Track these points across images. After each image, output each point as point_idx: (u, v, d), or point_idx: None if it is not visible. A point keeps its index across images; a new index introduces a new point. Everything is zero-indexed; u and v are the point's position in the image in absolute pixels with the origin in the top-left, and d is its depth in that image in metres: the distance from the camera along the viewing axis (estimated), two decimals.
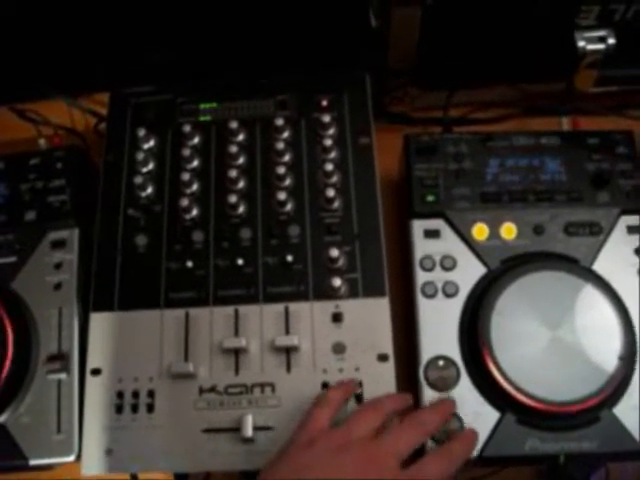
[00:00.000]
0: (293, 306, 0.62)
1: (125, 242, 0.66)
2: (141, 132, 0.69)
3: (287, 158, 0.68)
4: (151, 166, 0.69)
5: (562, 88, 0.74)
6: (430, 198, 0.66)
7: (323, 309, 0.62)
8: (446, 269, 0.64)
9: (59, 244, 0.67)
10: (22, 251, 0.66)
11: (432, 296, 0.63)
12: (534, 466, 0.70)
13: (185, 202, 0.65)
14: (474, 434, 0.57)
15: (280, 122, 0.68)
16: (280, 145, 0.67)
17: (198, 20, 0.73)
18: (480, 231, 0.65)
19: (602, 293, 0.61)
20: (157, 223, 0.66)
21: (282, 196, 0.65)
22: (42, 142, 0.76)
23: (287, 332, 0.62)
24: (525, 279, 0.62)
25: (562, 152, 0.68)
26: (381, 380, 0.60)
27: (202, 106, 0.71)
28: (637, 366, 0.60)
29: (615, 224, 0.65)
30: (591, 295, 0.61)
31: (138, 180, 0.67)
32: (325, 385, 0.60)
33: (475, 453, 0.58)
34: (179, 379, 0.61)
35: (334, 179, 0.67)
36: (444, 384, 0.60)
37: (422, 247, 0.65)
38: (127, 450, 0.59)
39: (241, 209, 0.66)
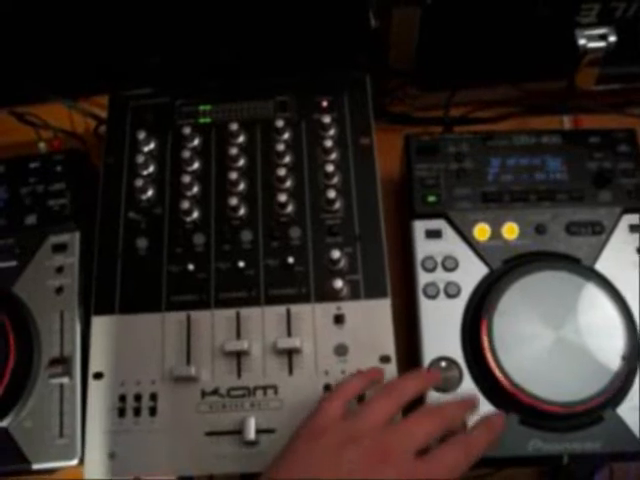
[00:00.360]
0: (295, 308, 0.62)
1: (126, 245, 0.65)
2: (141, 135, 0.69)
3: (287, 160, 0.68)
4: (151, 169, 0.68)
5: (563, 86, 0.74)
6: (431, 198, 0.66)
7: (325, 311, 0.62)
8: (448, 270, 0.64)
9: (60, 248, 0.67)
10: (23, 255, 0.66)
11: (434, 297, 0.63)
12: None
13: (186, 205, 0.65)
14: (500, 419, 0.55)
15: (280, 123, 0.68)
16: (280, 147, 0.67)
17: (198, 22, 0.73)
18: (482, 231, 0.65)
19: (604, 293, 0.61)
20: (158, 226, 0.66)
21: (283, 198, 0.65)
22: (42, 145, 0.76)
23: (289, 334, 0.61)
24: (527, 279, 0.61)
25: (563, 151, 0.68)
26: (383, 382, 0.59)
27: (202, 108, 0.71)
28: None
29: (617, 223, 0.65)
30: (593, 295, 0.61)
31: (138, 183, 0.66)
32: (327, 387, 0.60)
33: None
34: (181, 382, 0.60)
35: (335, 180, 0.67)
36: (447, 385, 0.60)
37: (423, 248, 0.65)
38: (130, 454, 0.59)
39: (242, 211, 0.66)
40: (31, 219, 0.68)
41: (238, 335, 0.62)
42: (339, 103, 0.70)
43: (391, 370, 0.60)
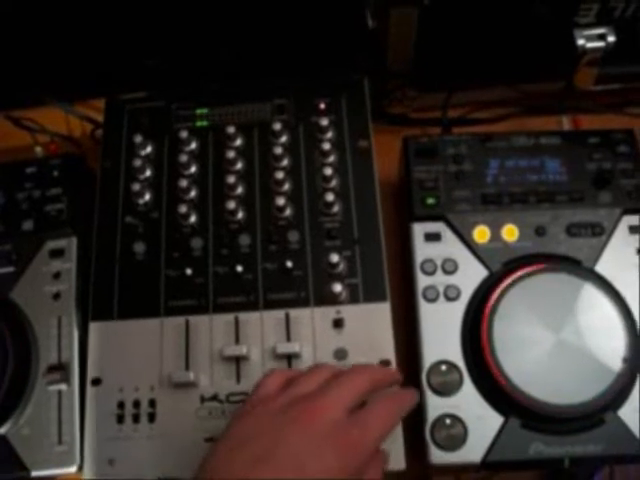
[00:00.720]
0: (294, 312, 0.62)
1: (123, 250, 0.65)
2: (138, 138, 0.68)
3: (285, 163, 0.68)
4: (148, 173, 0.68)
5: (562, 87, 0.74)
6: (430, 201, 0.66)
7: (324, 315, 0.62)
8: (447, 272, 0.63)
9: (57, 253, 0.66)
10: (20, 261, 0.66)
11: (434, 300, 0.63)
12: None
13: (183, 209, 0.65)
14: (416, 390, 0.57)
15: (278, 126, 0.68)
16: (278, 150, 0.67)
17: (195, 24, 0.72)
18: (481, 233, 0.64)
19: (605, 294, 0.60)
20: (155, 230, 0.66)
21: (281, 201, 0.64)
22: (38, 150, 0.76)
23: (288, 339, 0.61)
24: (527, 281, 0.61)
25: (562, 152, 0.67)
26: None
27: (199, 111, 0.71)
28: None
29: (617, 224, 0.65)
30: (594, 296, 0.60)
31: (136, 187, 0.66)
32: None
33: (479, 458, 0.58)
34: (180, 388, 0.60)
35: (333, 183, 0.66)
36: (447, 389, 0.60)
37: (423, 250, 0.64)
38: (129, 460, 0.59)
39: (240, 215, 0.65)
40: (28, 224, 0.67)
41: (237, 340, 0.61)
42: (337, 105, 0.70)
43: None
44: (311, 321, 0.62)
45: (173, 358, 0.61)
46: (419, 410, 0.59)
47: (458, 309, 0.62)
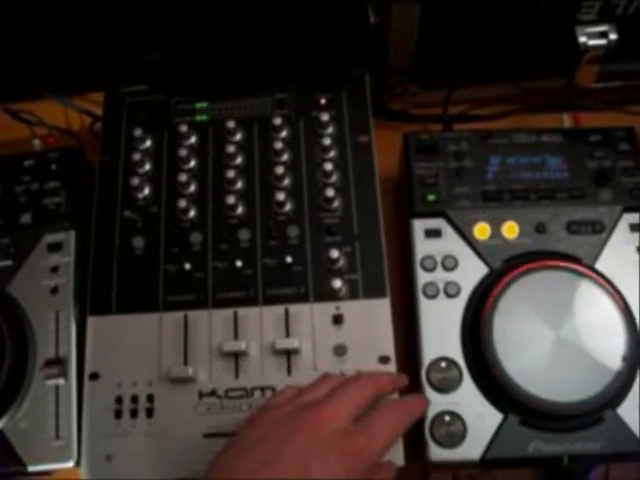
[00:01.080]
0: (293, 308, 0.62)
1: (122, 244, 0.65)
2: (137, 132, 0.68)
3: (285, 158, 0.67)
4: (148, 167, 0.68)
5: (563, 84, 0.74)
6: (431, 197, 0.65)
7: (323, 311, 0.61)
8: (447, 269, 0.63)
9: (55, 247, 0.66)
10: (18, 254, 0.65)
11: (433, 297, 0.62)
12: None
13: (183, 203, 0.64)
14: (423, 397, 0.58)
15: (278, 121, 0.67)
16: (278, 144, 0.67)
17: (196, 19, 0.72)
18: (482, 230, 0.64)
19: (605, 292, 0.60)
20: (154, 225, 0.65)
21: (281, 196, 0.64)
22: (37, 143, 0.75)
23: (287, 334, 0.61)
24: (527, 278, 0.61)
25: (563, 149, 0.67)
26: None
27: (198, 105, 0.70)
28: None
29: (617, 222, 0.64)
30: (594, 294, 0.60)
31: (135, 181, 0.66)
32: None
33: (478, 455, 0.58)
34: (179, 383, 0.60)
35: (333, 179, 0.66)
36: (446, 385, 0.60)
37: (423, 247, 0.64)
38: (127, 456, 0.58)
39: (239, 210, 0.65)
40: (26, 218, 0.67)
41: (236, 335, 0.61)
42: (338, 101, 0.70)
43: (390, 371, 0.59)
44: (310, 317, 0.61)
45: (172, 353, 0.61)
46: None
47: (458, 306, 0.62)
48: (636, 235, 0.64)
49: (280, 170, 0.65)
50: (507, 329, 0.59)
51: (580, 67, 0.71)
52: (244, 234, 0.64)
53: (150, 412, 0.59)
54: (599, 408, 0.58)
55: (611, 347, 0.58)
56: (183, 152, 0.67)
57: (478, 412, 0.59)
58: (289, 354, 0.60)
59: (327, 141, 0.67)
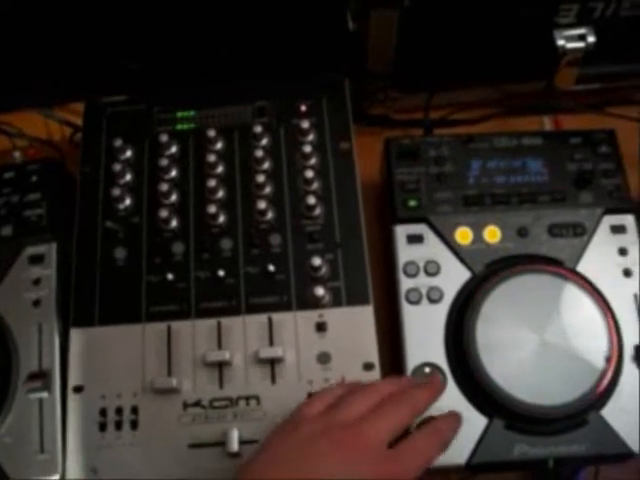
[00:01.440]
0: (276, 316, 0.62)
1: (104, 255, 0.64)
2: (117, 142, 0.68)
3: (266, 166, 0.67)
4: (128, 177, 0.67)
5: (543, 87, 0.74)
6: (412, 203, 0.65)
7: (307, 319, 0.61)
8: (430, 274, 0.63)
9: (37, 259, 0.65)
10: None
11: (416, 302, 0.62)
12: None
13: (164, 213, 0.64)
14: (458, 415, 0.56)
15: (259, 129, 0.67)
16: (259, 153, 0.66)
17: (174, 28, 0.72)
18: (464, 235, 0.64)
19: (587, 294, 0.61)
20: (136, 235, 0.65)
21: (262, 205, 0.64)
22: (17, 155, 0.75)
23: (271, 343, 0.61)
24: (510, 282, 0.61)
25: (544, 152, 0.67)
26: None
27: (179, 115, 0.70)
28: (624, 367, 0.60)
29: (598, 224, 0.65)
30: (576, 297, 0.61)
31: (116, 192, 0.65)
32: (310, 396, 0.59)
33: (464, 460, 0.58)
34: (163, 394, 0.60)
35: (315, 186, 0.66)
36: None
37: (405, 253, 0.64)
38: (112, 468, 0.58)
39: (221, 219, 0.65)
40: (6, 230, 0.66)
41: (219, 345, 0.61)
42: (318, 107, 0.70)
43: (374, 377, 0.59)
44: (294, 325, 0.61)
45: (155, 364, 0.61)
46: None
47: (441, 311, 0.62)
48: (617, 237, 0.64)
49: (261, 178, 0.65)
50: (490, 333, 0.59)
51: (559, 70, 0.71)
52: (226, 243, 0.64)
53: (135, 424, 0.59)
54: (583, 411, 0.58)
55: (594, 349, 0.59)
56: (164, 162, 0.67)
57: (463, 417, 0.59)
58: (273, 363, 0.60)
59: (308, 148, 0.67)
